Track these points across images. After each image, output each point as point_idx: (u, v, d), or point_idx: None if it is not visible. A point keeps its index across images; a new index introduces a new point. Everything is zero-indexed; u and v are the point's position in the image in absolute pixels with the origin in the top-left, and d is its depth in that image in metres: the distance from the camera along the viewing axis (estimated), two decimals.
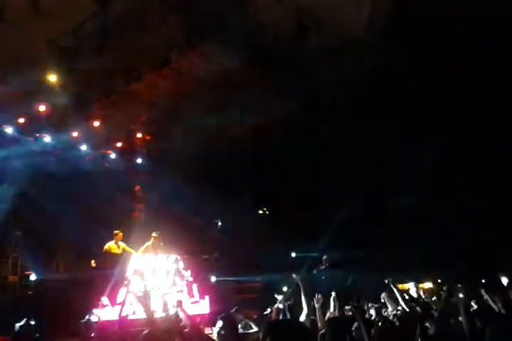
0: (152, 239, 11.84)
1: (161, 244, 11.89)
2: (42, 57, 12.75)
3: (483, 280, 12.52)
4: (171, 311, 9.81)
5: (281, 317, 7.22)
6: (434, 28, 13.24)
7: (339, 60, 14.59)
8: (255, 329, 6.59)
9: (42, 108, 13.06)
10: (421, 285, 16.21)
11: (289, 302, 7.62)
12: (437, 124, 15.01)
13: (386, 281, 8.26)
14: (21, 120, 12.85)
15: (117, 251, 11.34)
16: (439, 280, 15.54)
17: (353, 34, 14.43)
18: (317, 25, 14.37)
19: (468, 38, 13.10)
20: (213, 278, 12.79)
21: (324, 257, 13.96)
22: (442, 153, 15.02)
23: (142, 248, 11.77)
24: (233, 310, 8.31)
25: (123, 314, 9.30)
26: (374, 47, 14.34)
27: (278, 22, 14.06)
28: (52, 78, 13.07)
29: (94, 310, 9.13)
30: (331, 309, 7.32)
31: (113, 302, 9.63)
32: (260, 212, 19.80)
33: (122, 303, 9.69)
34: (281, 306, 8.08)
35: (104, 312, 9.35)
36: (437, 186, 16.83)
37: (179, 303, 5.88)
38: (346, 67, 14.66)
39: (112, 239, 11.48)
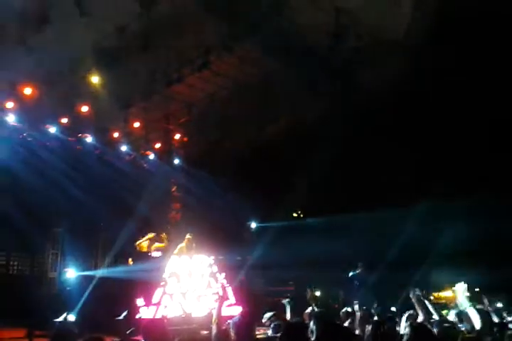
0: (186, 241, 11.98)
1: (194, 245, 11.99)
2: (85, 58, 13.01)
3: None
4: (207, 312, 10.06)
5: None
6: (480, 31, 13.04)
7: (377, 61, 14.51)
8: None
9: (84, 108, 13.29)
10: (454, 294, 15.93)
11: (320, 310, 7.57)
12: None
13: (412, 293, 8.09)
14: (64, 120, 13.12)
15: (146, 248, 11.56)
16: (476, 289, 15.23)
17: (391, 35, 14.32)
18: (354, 26, 14.30)
19: None
20: (247, 281, 12.84)
21: (360, 263, 13.85)
22: None
23: (176, 250, 11.92)
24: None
25: (158, 314, 9.48)
26: (414, 48, 14.20)
27: (314, 23, 14.03)
28: (95, 79, 13.31)
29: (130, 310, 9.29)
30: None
31: (148, 303, 9.84)
32: (294, 214, 19.80)
33: (157, 304, 9.89)
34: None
35: (141, 312, 9.56)
36: None
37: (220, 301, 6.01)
38: (385, 68, 14.58)
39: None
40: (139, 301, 9.76)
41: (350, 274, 13.52)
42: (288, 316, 7.31)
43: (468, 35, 13.28)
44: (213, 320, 5.85)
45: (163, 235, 12.05)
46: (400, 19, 14.20)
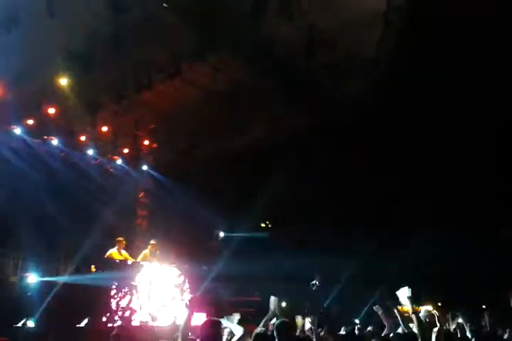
0: (149, 247, 11.80)
1: (157, 252, 11.81)
2: (54, 61, 12.78)
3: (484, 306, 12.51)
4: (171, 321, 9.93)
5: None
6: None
7: (348, 75, 14.75)
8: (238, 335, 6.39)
9: (51, 110, 13.06)
10: (418, 308, 16.12)
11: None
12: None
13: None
14: (30, 121, 12.85)
15: (119, 257, 11.29)
16: (439, 304, 15.48)
17: (363, 52, 14.59)
18: (328, 42, 14.49)
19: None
20: (211, 289, 12.69)
21: (316, 275, 13.86)
22: None
23: (140, 256, 11.75)
24: None
25: (128, 321, 9.32)
26: (384, 64, 14.51)
27: (289, 37, 14.19)
28: (63, 81, 13.09)
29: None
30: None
31: (116, 310, 9.66)
32: (262, 225, 19.76)
33: (127, 310, 9.73)
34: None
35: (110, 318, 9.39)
36: None
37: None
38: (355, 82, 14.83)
39: (114, 246, 11.43)
40: (110, 307, 9.56)
41: (312, 287, 13.53)
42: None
43: (439, 47, 13.72)
44: (180, 329, 5.77)
45: (122, 240, 11.75)
46: (371, 36, 14.50)
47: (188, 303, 10.97)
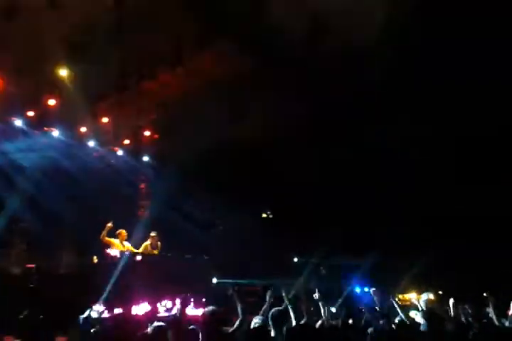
0: (150, 239, 11.85)
1: (159, 243, 11.88)
2: (54, 51, 12.73)
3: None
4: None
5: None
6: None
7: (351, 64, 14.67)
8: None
9: (52, 102, 13.05)
10: (418, 296, 16.18)
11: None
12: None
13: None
14: (30, 113, 12.85)
15: (121, 249, 11.35)
16: (440, 292, 15.48)
17: (365, 40, 14.47)
18: (330, 29, 14.38)
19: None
20: (214, 280, 12.75)
21: (321, 265, 13.94)
22: None
23: (141, 247, 11.81)
24: None
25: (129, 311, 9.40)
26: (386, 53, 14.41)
27: (291, 24, 14.08)
28: (63, 72, 13.05)
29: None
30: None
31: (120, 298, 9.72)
32: (264, 215, 19.78)
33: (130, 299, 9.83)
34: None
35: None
36: None
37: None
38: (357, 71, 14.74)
39: (116, 237, 11.49)
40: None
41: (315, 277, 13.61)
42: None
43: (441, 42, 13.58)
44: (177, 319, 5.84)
45: (123, 232, 11.80)
46: (373, 27, 14.37)
47: (184, 295, 11.09)
